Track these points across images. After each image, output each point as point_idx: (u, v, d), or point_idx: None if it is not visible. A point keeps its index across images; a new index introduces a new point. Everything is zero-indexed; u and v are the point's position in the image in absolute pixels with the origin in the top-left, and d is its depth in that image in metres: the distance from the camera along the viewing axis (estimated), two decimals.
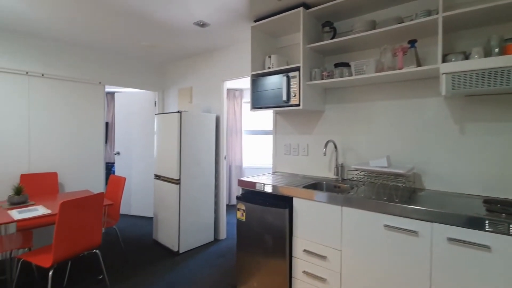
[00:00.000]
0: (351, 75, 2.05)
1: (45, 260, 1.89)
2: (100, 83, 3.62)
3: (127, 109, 4.51)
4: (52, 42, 3.21)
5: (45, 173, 3.09)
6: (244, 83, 4.59)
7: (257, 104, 2.43)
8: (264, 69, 2.54)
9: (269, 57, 2.45)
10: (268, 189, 2.10)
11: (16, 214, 2.08)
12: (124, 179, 2.94)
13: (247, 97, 5.14)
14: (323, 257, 1.80)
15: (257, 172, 5.12)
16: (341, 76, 2.09)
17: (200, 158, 3.23)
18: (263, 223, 2.09)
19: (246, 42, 3.22)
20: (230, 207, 4.92)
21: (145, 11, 2.42)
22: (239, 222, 2.25)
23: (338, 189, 2.17)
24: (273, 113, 2.86)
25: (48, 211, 2.16)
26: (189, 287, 2.36)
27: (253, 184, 2.20)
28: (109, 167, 5.34)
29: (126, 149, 4.50)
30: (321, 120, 2.49)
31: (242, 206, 2.23)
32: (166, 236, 3.14)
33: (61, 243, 1.89)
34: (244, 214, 2.22)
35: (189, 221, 3.10)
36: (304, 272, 1.90)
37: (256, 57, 2.53)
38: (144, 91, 4.33)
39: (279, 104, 2.27)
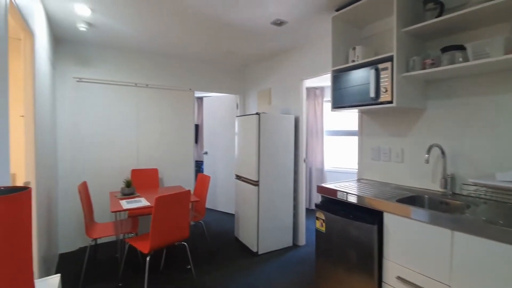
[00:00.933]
0: (467, 61, 1.58)
1: (144, 246, 2.18)
2: (190, 89, 4.02)
3: (213, 112, 4.89)
4: (153, 57, 3.74)
5: (148, 169, 3.63)
6: (325, 80, 4.31)
7: (338, 103, 2.19)
8: (347, 63, 2.27)
9: (353, 49, 2.17)
10: (353, 199, 1.85)
11: (125, 204, 2.47)
12: (209, 177, 3.16)
13: (328, 95, 4.82)
14: None
15: (340, 177, 4.75)
16: (452, 63, 1.65)
17: (279, 160, 3.18)
18: (346, 237, 1.86)
19: (325, 37, 2.98)
20: (310, 212, 4.72)
21: (225, 17, 2.52)
22: (318, 232, 2.08)
23: (446, 206, 1.73)
24: (358, 112, 2.54)
25: (148, 203, 2.49)
26: None
27: (334, 192, 1.99)
28: (199, 165, 5.92)
29: (213, 149, 4.88)
30: (421, 119, 2.05)
31: (321, 215, 2.05)
32: (246, 235, 3.22)
33: (156, 232, 2.14)
34: (324, 224, 2.03)
35: (267, 223, 3.09)
36: None
37: (337, 50, 2.29)
38: (227, 94, 4.60)
39: (365, 102, 1.97)
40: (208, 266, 2.76)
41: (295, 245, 3.32)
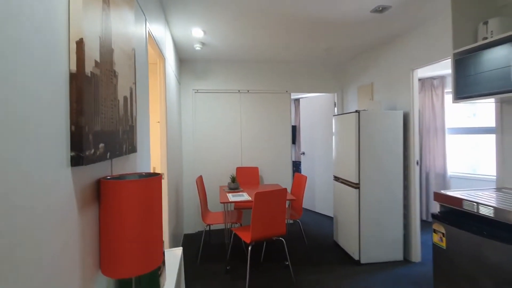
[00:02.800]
0: None
1: (246, 236, 2.39)
2: (286, 91, 4.13)
3: (310, 112, 4.85)
4: (253, 64, 4.05)
5: (250, 167, 3.94)
6: (447, 67, 3.57)
7: (464, 92, 1.77)
8: (475, 42, 1.81)
9: (485, 23, 1.72)
10: (488, 212, 1.46)
11: (231, 197, 2.78)
12: (305, 177, 3.15)
13: (450, 86, 3.96)
14: None
15: (469, 184, 3.82)
16: None
17: (383, 162, 2.85)
18: (478, 259, 1.48)
19: (440, 14, 2.46)
20: (427, 225, 4.00)
21: (323, 14, 2.47)
22: (436, 247, 1.74)
23: None
24: (495, 103, 1.99)
25: (249, 198, 2.71)
26: None
27: (458, 201, 1.62)
28: (297, 166, 5.99)
29: (310, 149, 4.85)
30: None
31: (440, 227, 1.71)
32: (346, 241, 3.03)
33: (256, 225, 2.31)
34: (444, 239, 1.68)
35: (370, 230, 2.82)
36: None
37: (460, 28, 1.86)
38: (324, 94, 4.47)
39: (505, 89, 1.52)
40: (305, 267, 2.76)
41: (406, 261, 2.88)
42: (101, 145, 0.86)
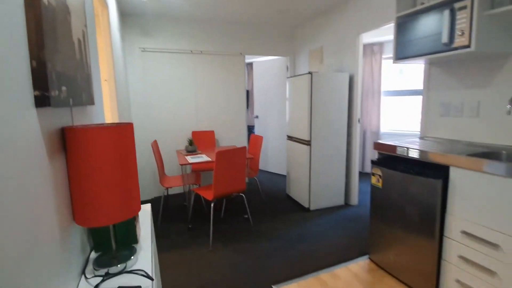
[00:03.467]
0: None
1: (208, 194, 2.47)
2: (241, 53, 4.07)
3: (263, 76, 4.90)
4: (206, 24, 3.82)
5: (206, 131, 3.92)
6: (385, 34, 3.91)
7: (403, 53, 2.02)
8: (415, 7, 2.03)
9: None
10: (414, 154, 1.78)
11: (190, 159, 2.78)
12: (261, 137, 3.30)
13: (388, 52, 4.39)
14: (493, 245, 1.40)
15: (398, 139, 4.47)
16: None
17: (331, 121, 3.13)
18: (405, 193, 1.83)
19: None
20: (363, 175, 4.63)
21: None
22: (374, 188, 2.08)
23: None
24: (425, 64, 2.31)
25: (209, 159, 2.75)
26: (319, 243, 2.47)
27: (393, 147, 1.93)
28: (250, 129, 6.14)
29: (264, 113, 4.98)
30: (506, 67, 1.79)
31: (378, 171, 2.03)
32: (298, 192, 3.36)
33: (218, 182, 2.39)
34: (381, 180, 2.01)
35: (319, 182, 3.17)
36: (461, 257, 1.56)
37: None
38: (277, 57, 4.52)
39: (435, 50, 1.78)
40: (263, 217, 3.01)
41: (347, 205, 3.36)
42: (64, 88, 0.78)
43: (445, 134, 2.20)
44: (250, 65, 6.37)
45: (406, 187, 1.82)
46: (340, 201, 3.33)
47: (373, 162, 2.08)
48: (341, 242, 2.48)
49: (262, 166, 5.12)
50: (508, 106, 1.55)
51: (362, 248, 2.38)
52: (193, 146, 3.14)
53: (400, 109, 4.49)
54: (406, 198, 1.82)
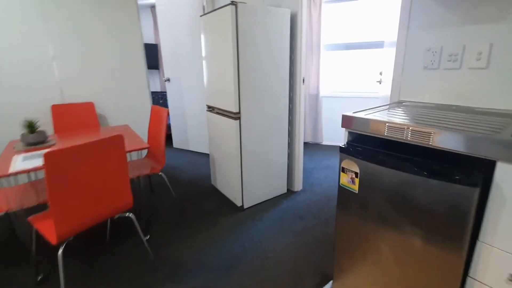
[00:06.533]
0: None
1: (50, 233, 1.29)
2: None
3: (171, 23, 3.51)
4: None
5: (79, 103, 2.51)
6: None
7: None
8: None
9: None
10: (425, 138, 0.97)
11: (19, 163, 1.47)
12: (166, 111, 2.14)
13: None
14: None
15: (344, 104, 3.87)
16: None
17: (269, 81, 2.17)
18: (402, 206, 1.05)
19: None
20: (307, 147, 3.98)
21: None
22: (343, 191, 1.26)
23: None
24: None
25: None
26: (259, 266, 1.63)
27: (380, 125, 1.09)
28: (162, 97, 4.76)
29: (177, 74, 3.70)
30: None
31: (352, 165, 1.20)
32: (226, 184, 2.43)
33: (61, 211, 1.23)
34: (357, 180, 1.20)
35: (254, 168, 2.28)
36: None
37: None
38: None
39: None
40: (173, 233, 2.00)
41: (290, 191, 2.61)
42: None
43: (432, 96, 1.49)
44: (153, 8, 4.75)
45: (404, 196, 1.04)
46: (282, 188, 2.55)
47: (343, 150, 1.24)
48: (291, 257, 1.71)
49: (179, 144, 3.97)
50: None
51: (321, 266, 1.64)
52: (38, 134, 1.79)
53: (346, 66, 3.83)
54: (404, 213, 1.05)
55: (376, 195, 1.13)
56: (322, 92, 3.91)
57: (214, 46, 2.17)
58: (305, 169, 3.16)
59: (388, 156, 1.07)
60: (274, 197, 2.50)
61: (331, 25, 3.72)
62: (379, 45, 3.43)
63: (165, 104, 4.49)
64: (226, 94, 2.12)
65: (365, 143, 1.19)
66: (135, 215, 1.62)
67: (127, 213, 1.55)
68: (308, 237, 1.92)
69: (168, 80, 3.82)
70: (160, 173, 2.16)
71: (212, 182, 2.74)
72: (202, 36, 2.33)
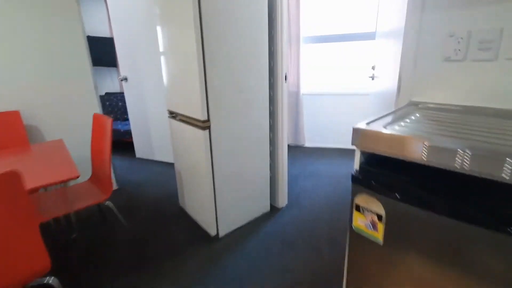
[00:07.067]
0: None
1: None
2: None
3: (124, 10, 2.95)
4: None
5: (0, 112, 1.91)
6: None
7: None
8: None
9: None
10: (498, 170, 0.60)
11: None
12: (110, 121, 1.63)
13: None
14: None
15: (327, 104, 3.54)
16: None
17: (244, 80, 1.74)
18: (464, 269, 0.68)
19: None
20: (290, 150, 3.60)
21: None
22: (358, 237, 0.88)
23: None
24: None
25: None
26: None
27: (416, 142, 0.71)
28: (121, 99, 4.13)
29: (135, 73, 3.15)
30: None
31: (372, 203, 0.82)
32: (197, 208, 1.97)
33: None
34: (381, 227, 0.82)
35: (230, 186, 1.85)
36: None
37: None
38: None
39: None
40: (128, 282, 1.52)
41: (274, 208, 2.22)
42: None
43: (456, 97, 1.16)
44: None
45: (463, 257, 0.68)
46: (265, 207, 2.15)
47: (355, 179, 0.85)
48: None
49: (143, 153, 3.43)
50: None
51: None
52: None
53: (330, 60, 3.50)
54: (457, 283, 0.69)
55: (413, 251, 0.76)
56: (303, 90, 3.56)
57: (173, 37, 1.70)
58: (289, 176, 2.79)
59: (434, 193, 0.70)
60: (255, 218, 2.09)
61: (311, 14, 3.36)
62: (368, 36, 3.12)
63: (124, 107, 3.89)
64: (191, 98, 1.66)
65: (384, 166, 0.81)
66: (69, 270, 1.13)
67: (46, 278, 1.06)
68: (304, 274, 1.54)
69: (126, 79, 3.25)
70: (106, 203, 1.66)
71: (181, 204, 2.27)
72: (158, 25, 1.84)
